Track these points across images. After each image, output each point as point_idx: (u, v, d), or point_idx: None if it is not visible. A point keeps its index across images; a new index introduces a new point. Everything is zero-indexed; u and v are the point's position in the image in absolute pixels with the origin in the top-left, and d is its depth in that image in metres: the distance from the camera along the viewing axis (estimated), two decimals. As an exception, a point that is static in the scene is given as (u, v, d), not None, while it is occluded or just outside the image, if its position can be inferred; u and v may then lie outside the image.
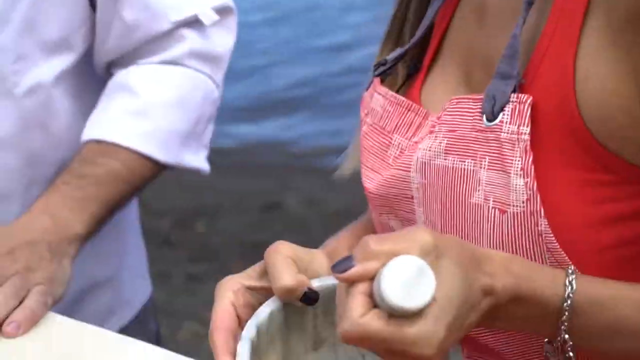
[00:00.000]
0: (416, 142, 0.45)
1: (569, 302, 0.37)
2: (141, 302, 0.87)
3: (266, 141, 2.83)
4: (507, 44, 0.40)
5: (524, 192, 0.39)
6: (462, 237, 0.42)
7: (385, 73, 0.48)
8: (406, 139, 0.46)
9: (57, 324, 0.60)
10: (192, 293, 1.93)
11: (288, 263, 0.38)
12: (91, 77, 0.75)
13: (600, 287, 0.39)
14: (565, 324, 0.37)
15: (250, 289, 0.40)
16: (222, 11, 0.74)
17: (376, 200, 0.49)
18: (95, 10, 0.70)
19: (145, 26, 0.71)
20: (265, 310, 0.39)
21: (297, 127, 3.02)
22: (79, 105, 0.74)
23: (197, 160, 0.75)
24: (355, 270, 0.32)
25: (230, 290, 0.40)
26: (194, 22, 0.72)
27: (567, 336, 0.38)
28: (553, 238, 0.39)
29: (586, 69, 0.38)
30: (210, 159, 0.80)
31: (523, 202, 0.39)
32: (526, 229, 0.39)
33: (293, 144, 2.89)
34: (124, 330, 0.75)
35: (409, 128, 0.47)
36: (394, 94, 0.47)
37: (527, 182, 0.38)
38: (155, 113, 0.71)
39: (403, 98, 0.46)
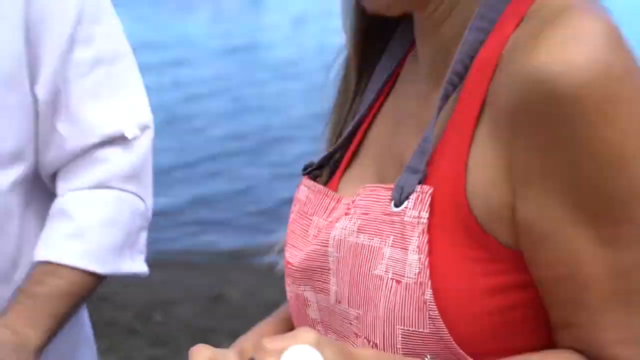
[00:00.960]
0: (331, 222, 0.48)
1: None
2: None
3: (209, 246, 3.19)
4: (418, 143, 0.42)
5: (417, 266, 0.41)
6: (365, 303, 0.45)
7: (312, 172, 0.54)
8: (323, 220, 0.49)
9: None
10: None
11: None
12: (44, 192, 0.79)
13: None
14: None
15: None
16: (142, 127, 0.78)
17: (297, 273, 0.51)
18: (39, 124, 0.74)
19: (76, 139, 0.74)
20: None
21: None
22: (33, 209, 0.78)
23: (135, 265, 0.79)
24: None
25: None
26: (119, 137, 0.76)
27: None
28: (434, 306, 0.40)
29: (475, 163, 0.40)
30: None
31: (415, 275, 0.41)
32: (414, 298, 0.41)
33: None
34: None
35: (325, 210, 0.50)
36: (315, 183, 0.52)
37: (420, 257, 0.41)
38: (90, 233, 0.75)
39: (322, 187, 0.51)
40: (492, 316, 0.42)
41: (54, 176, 0.77)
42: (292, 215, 0.55)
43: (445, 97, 0.43)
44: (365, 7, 0.49)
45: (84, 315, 0.88)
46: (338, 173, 0.55)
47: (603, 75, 0.37)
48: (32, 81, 0.72)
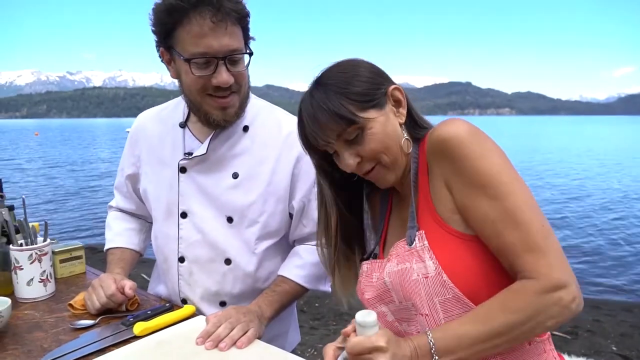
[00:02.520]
0: (380, 271, 0.84)
1: (432, 344, 0.71)
2: (294, 344, 1.39)
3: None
4: (409, 217, 0.82)
5: (433, 267, 0.75)
6: (413, 296, 0.79)
7: (367, 259, 0.90)
8: (378, 272, 0.85)
9: (258, 345, 0.98)
10: (312, 335, 3.31)
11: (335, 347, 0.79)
12: (286, 245, 1.28)
13: (449, 329, 0.71)
14: (434, 349, 0.71)
15: (339, 347, 0.76)
16: None
17: (374, 300, 0.85)
18: (292, 219, 1.22)
19: (311, 227, 1.22)
20: (344, 354, 0.75)
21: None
22: (279, 257, 1.27)
23: (325, 287, 1.25)
24: (347, 328, 0.77)
25: (331, 348, 0.77)
26: None
27: (436, 357, 0.71)
28: (450, 281, 0.74)
29: (435, 199, 0.79)
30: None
31: (434, 271, 0.75)
32: (438, 282, 0.74)
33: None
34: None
35: (377, 268, 0.87)
36: (371, 261, 0.89)
37: (434, 262, 0.75)
38: (308, 267, 1.20)
39: (375, 260, 0.89)
40: (478, 270, 0.74)
41: (294, 241, 1.26)
42: (361, 280, 0.91)
43: (415, 191, 0.82)
44: (378, 185, 0.90)
45: (294, 308, 1.38)
46: (381, 252, 0.92)
47: (468, 131, 0.75)
48: (291, 199, 1.19)
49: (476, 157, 0.72)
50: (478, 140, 0.74)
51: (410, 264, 0.78)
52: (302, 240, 1.26)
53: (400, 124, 0.84)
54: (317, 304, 3.85)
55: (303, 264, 1.20)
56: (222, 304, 1.20)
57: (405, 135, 0.84)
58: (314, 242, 1.20)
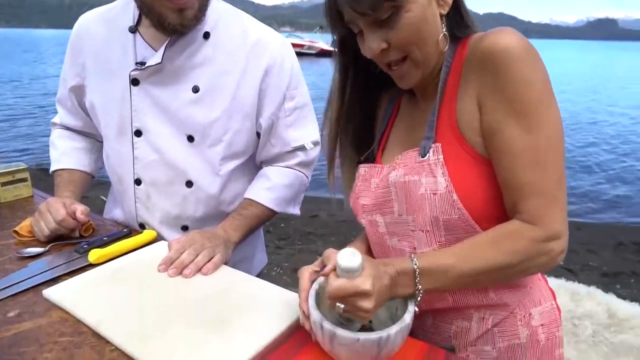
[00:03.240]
0: (382, 178, 0.77)
1: (416, 267, 0.64)
2: (261, 267, 1.36)
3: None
4: (424, 130, 0.73)
5: (444, 184, 0.68)
6: (416, 210, 0.72)
7: (364, 161, 0.84)
8: (378, 179, 0.78)
9: (225, 270, 0.93)
10: (277, 254, 3.31)
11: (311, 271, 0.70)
12: (253, 166, 1.20)
13: (430, 256, 0.66)
14: (418, 278, 0.65)
15: (315, 271, 0.70)
16: (315, 143, 1.16)
17: (370, 207, 0.79)
18: (259, 138, 1.13)
19: (279, 147, 1.15)
20: (320, 279, 0.68)
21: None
22: (246, 178, 1.19)
23: (294, 210, 1.22)
24: (327, 268, 0.62)
25: (307, 272, 0.70)
26: (302, 147, 1.15)
27: (419, 286, 0.64)
28: (459, 202, 0.67)
29: (460, 111, 0.69)
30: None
31: (444, 189, 0.67)
32: (446, 200, 0.67)
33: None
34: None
35: (377, 174, 0.79)
36: (368, 164, 0.83)
37: (446, 179, 0.67)
38: (277, 189, 1.14)
39: (372, 164, 0.82)
40: (489, 195, 0.68)
41: (261, 162, 1.19)
42: (358, 184, 0.83)
43: (440, 98, 0.71)
44: (399, 84, 0.79)
45: (261, 230, 1.34)
46: (379, 156, 0.84)
47: (523, 48, 0.64)
48: (258, 116, 1.09)
49: (524, 81, 0.64)
50: (531, 60, 0.64)
51: (419, 177, 0.72)
52: (270, 161, 1.19)
53: (442, 15, 0.72)
54: (282, 225, 3.85)
55: (272, 186, 1.14)
56: (184, 228, 1.13)
57: (444, 29, 0.72)
58: (283, 164, 1.17)
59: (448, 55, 0.73)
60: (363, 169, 0.83)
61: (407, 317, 0.61)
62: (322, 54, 26.75)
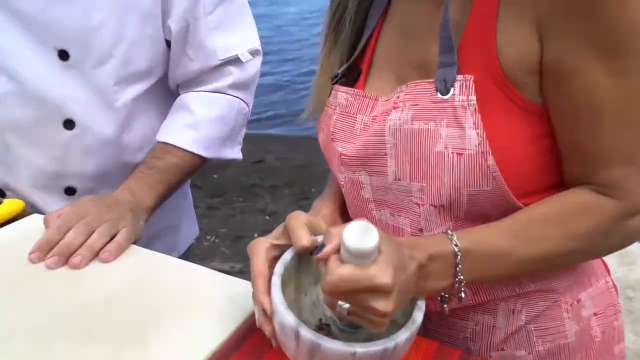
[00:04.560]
0: (377, 116, 0.62)
1: (457, 250, 0.52)
2: (192, 238, 1.20)
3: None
4: (439, 36, 0.56)
5: (476, 139, 0.54)
6: (426, 175, 0.58)
7: (339, 80, 0.69)
8: (367, 116, 0.64)
9: (137, 253, 0.77)
10: (211, 217, 2.90)
11: (304, 228, 0.52)
12: (164, 94, 1.01)
13: (475, 234, 0.54)
14: (460, 266, 0.52)
15: (275, 246, 0.55)
16: (254, 52, 1.01)
17: (351, 161, 0.65)
18: (170, 49, 0.95)
19: (201, 61, 0.96)
20: (287, 257, 0.53)
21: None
22: (157, 112, 1.00)
23: (233, 153, 1.03)
24: (327, 249, 0.45)
25: (262, 248, 0.55)
26: (235, 60, 0.98)
27: (461, 276, 0.52)
28: (497, 168, 0.54)
29: (502, 35, 0.53)
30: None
31: (476, 146, 0.54)
32: (477, 165, 0.54)
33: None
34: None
35: (367, 108, 0.64)
36: (352, 89, 0.66)
37: (478, 132, 0.53)
38: (204, 126, 0.96)
39: (360, 90, 0.66)
40: (533, 160, 0.56)
41: (178, 87, 1.01)
42: (333, 117, 0.67)
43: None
44: None
45: (187, 190, 1.16)
46: (361, 80, 0.67)
47: None
48: (165, 17, 0.91)
49: (622, 3, 0.49)
50: None
51: (437, 126, 0.56)
52: (191, 84, 1.00)
53: None
54: (215, 175, 3.38)
55: (196, 122, 0.95)
56: (70, 191, 0.94)
57: None
58: (209, 86, 0.99)
59: None
60: (343, 93, 0.68)
61: (418, 317, 0.50)
62: None
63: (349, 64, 0.68)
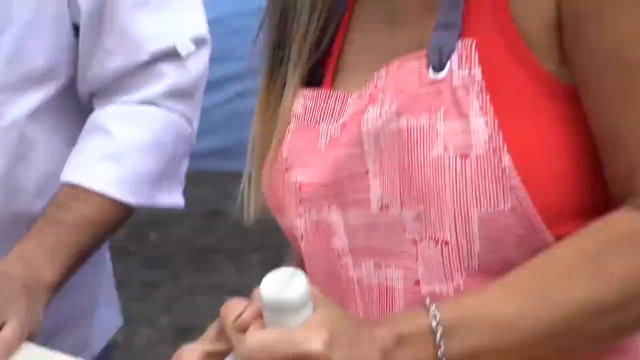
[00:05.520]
0: (344, 122, 0.52)
1: (436, 324, 0.40)
2: (112, 331, 1.02)
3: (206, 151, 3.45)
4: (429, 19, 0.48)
5: (485, 131, 0.44)
6: (423, 194, 0.47)
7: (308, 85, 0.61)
8: (333, 124, 0.53)
9: (33, 355, 0.71)
10: (146, 299, 2.41)
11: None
12: (73, 108, 0.87)
13: (468, 299, 0.44)
14: (442, 348, 0.40)
15: (210, 354, 0.46)
16: (199, 42, 0.86)
17: (318, 192, 0.53)
18: (79, 38, 0.84)
19: (124, 55, 0.82)
20: None
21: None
22: (59, 136, 0.85)
23: (171, 198, 0.86)
24: (246, 313, 0.39)
25: (193, 357, 0.47)
26: (171, 54, 0.83)
27: (443, 348, 0.41)
28: (515, 173, 0.43)
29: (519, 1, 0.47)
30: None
31: (485, 141, 0.44)
32: (489, 169, 0.44)
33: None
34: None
35: (333, 113, 0.53)
36: (312, 90, 0.56)
37: (487, 120, 0.43)
38: (129, 157, 0.81)
39: (322, 90, 0.56)
40: (565, 164, 0.45)
41: (91, 98, 0.89)
42: (288, 136, 0.57)
43: None
44: None
45: (106, 255, 1.00)
46: (328, 76, 0.58)
47: None
48: None
49: None
50: None
51: (431, 118, 0.46)
52: (109, 91, 0.85)
53: None
54: (153, 234, 2.91)
55: (117, 151, 0.82)
56: None
57: None
58: (135, 96, 0.83)
59: None
60: (301, 100, 0.57)
61: None
62: None
63: (313, 62, 0.58)
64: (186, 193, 0.93)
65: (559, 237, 0.44)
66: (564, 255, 0.44)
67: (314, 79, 0.57)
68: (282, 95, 0.56)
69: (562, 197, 0.45)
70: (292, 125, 0.56)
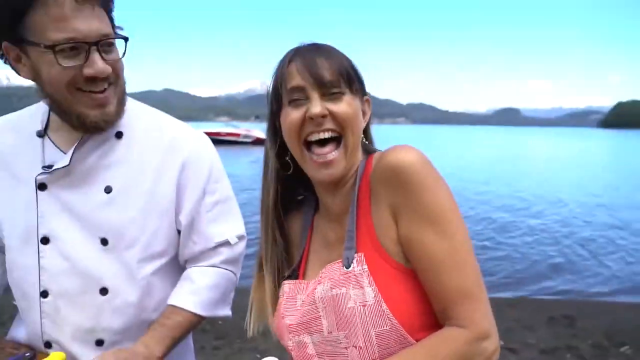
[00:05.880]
0: (310, 292, 0.87)
1: None
2: None
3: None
4: (346, 233, 0.88)
5: (371, 293, 0.81)
6: (347, 324, 0.80)
7: (286, 278, 0.99)
8: (303, 295, 0.89)
9: None
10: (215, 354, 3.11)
11: None
12: (176, 268, 1.29)
13: None
14: None
15: None
16: (240, 237, 1.33)
17: (297, 327, 0.88)
18: (180, 236, 1.28)
19: (202, 244, 1.27)
20: None
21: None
22: (168, 282, 1.26)
23: (224, 311, 1.31)
24: None
25: None
26: (226, 244, 1.30)
27: None
28: (390, 312, 0.80)
29: (377, 224, 0.86)
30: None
31: (372, 299, 0.81)
32: (377, 313, 0.80)
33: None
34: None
35: (303, 290, 0.89)
36: (293, 281, 0.97)
37: (373, 288, 0.82)
38: (202, 291, 1.23)
39: (297, 280, 0.96)
40: (416, 303, 0.76)
41: (185, 262, 1.31)
42: (282, 303, 0.91)
43: (356, 205, 0.87)
44: (321, 178, 0.86)
45: (189, 339, 1.41)
46: (301, 273, 0.96)
47: (422, 161, 0.80)
48: (177, 213, 1.22)
49: (429, 190, 0.78)
50: (431, 172, 0.81)
51: (347, 290, 0.79)
52: (194, 260, 1.29)
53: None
54: (220, 322, 3.96)
55: (196, 289, 1.23)
56: (99, 343, 1.19)
57: (363, 139, 0.96)
58: (207, 262, 1.28)
59: (360, 168, 0.91)
60: (287, 285, 0.95)
61: None
62: (258, 142, 32.25)
63: (292, 269, 0.94)
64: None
65: (417, 340, 0.75)
66: (417, 349, 0.73)
67: (293, 272, 0.94)
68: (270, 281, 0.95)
69: (416, 320, 0.75)
70: (283, 297, 0.91)
